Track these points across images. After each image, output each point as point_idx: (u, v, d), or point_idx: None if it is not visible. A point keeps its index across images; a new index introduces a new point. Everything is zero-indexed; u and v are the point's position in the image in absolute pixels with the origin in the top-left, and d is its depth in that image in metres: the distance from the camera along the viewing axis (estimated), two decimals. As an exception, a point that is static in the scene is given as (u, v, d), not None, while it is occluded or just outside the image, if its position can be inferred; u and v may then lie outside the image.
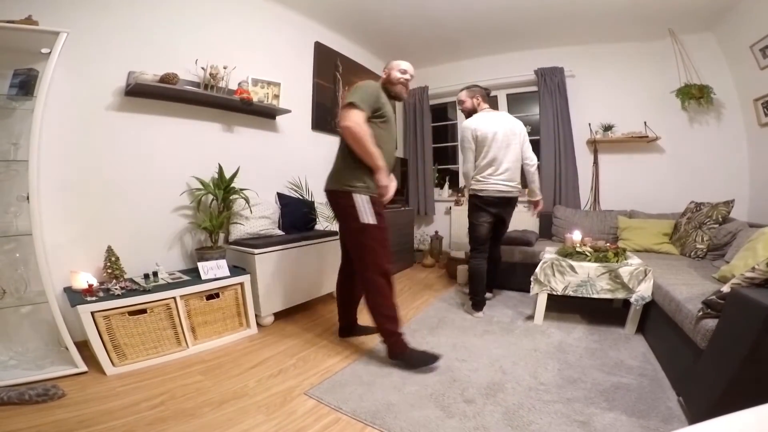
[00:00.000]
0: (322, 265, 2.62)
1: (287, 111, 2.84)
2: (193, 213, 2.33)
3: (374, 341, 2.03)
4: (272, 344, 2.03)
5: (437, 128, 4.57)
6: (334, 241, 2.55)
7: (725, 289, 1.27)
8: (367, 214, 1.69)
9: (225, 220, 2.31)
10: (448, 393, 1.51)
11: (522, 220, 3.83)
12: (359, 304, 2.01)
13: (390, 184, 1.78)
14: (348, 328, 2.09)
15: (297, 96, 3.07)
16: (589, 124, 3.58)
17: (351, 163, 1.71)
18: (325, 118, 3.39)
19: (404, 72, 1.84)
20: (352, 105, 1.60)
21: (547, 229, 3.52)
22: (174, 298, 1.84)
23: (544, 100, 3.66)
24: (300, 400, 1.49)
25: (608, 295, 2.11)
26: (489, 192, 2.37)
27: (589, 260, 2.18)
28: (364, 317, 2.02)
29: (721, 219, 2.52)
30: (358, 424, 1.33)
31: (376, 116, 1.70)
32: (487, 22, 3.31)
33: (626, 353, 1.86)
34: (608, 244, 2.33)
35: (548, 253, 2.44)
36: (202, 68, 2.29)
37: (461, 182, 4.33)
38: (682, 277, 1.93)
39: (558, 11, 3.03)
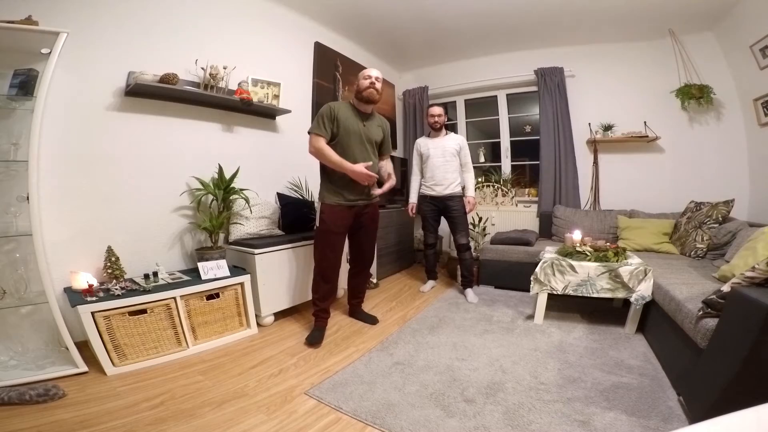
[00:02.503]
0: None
1: (287, 111, 2.84)
2: (193, 213, 2.33)
3: (375, 341, 2.05)
4: (272, 344, 2.03)
5: (437, 128, 4.57)
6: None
7: (725, 288, 1.27)
8: (317, 220, 2.13)
9: (225, 221, 2.31)
10: (449, 392, 1.51)
11: (522, 220, 3.84)
12: (358, 292, 2.46)
13: (357, 168, 1.96)
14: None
15: (297, 96, 3.08)
16: (589, 124, 3.59)
17: (322, 180, 2.12)
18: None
19: (368, 77, 2.05)
20: (310, 134, 2.01)
21: (547, 229, 3.52)
22: (174, 298, 1.84)
23: (544, 100, 3.66)
24: (300, 399, 1.49)
25: (608, 295, 2.11)
26: None
27: (589, 260, 2.18)
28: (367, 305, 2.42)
29: (721, 218, 2.52)
30: (359, 424, 1.33)
31: (333, 133, 2.01)
32: (487, 22, 3.32)
33: (626, 353, 1.86)
34: (608, 244, 2.33)
35: (548, 252, 2.44)
36: (202, 68, 2.29)
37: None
38: (682, 277, 1.93)
39: (558, 11, 3.03)
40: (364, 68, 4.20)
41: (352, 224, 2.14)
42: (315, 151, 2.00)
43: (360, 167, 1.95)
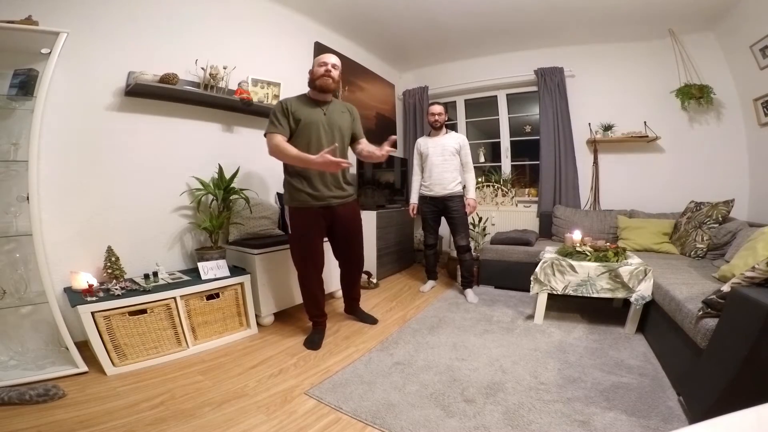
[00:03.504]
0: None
1: (287, 111, 2.84)
2: (193, 213, 2.33)
3: (375, 341, 2.05)
4: (272, 344, 2.04)
5: (437, 128, 4.57)
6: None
7: (725, 288, 1.27)
8: (288, 225, 2.02)
9: (225, 221, 2.31)
10: (449, 392, 1.51)
11: (522, 220, 3.84)
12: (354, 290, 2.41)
13: (321, 158, 1.69)
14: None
15: (297, 96, 3.07)
16: (589, 124, 3.59)
17: (285, 182, 2.00)
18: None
19: (323, 64, 1.90)
20: (265, 135, 1.87)
21: (547, 229, 3.53)
22: (174, 298, 1.84)
23: (544, 100, 3.66)
24: (300, 399, 1.49)
25: (608, 295, 2.11)
26: None
27: (589, 260, 2.18)
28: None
29: (721, 218, 2.52)
30: (359, 424, 1.33)
31: (291, 128, 1.89)
32: (487, 22, 3.32)
33: (626, 353, 1.86)
34: (608, 244, 2.33)
35: (548, 252, 2.44)
36: (202, 68, 2.29)
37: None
38: (682, 277, 1.93)
39: (558, 11, 3.03)
40: (365, 68, 4.20)
41: (328, 227, 2.03)
42: (273, 150, 1.82)
43: (324, 156, 1.67)
